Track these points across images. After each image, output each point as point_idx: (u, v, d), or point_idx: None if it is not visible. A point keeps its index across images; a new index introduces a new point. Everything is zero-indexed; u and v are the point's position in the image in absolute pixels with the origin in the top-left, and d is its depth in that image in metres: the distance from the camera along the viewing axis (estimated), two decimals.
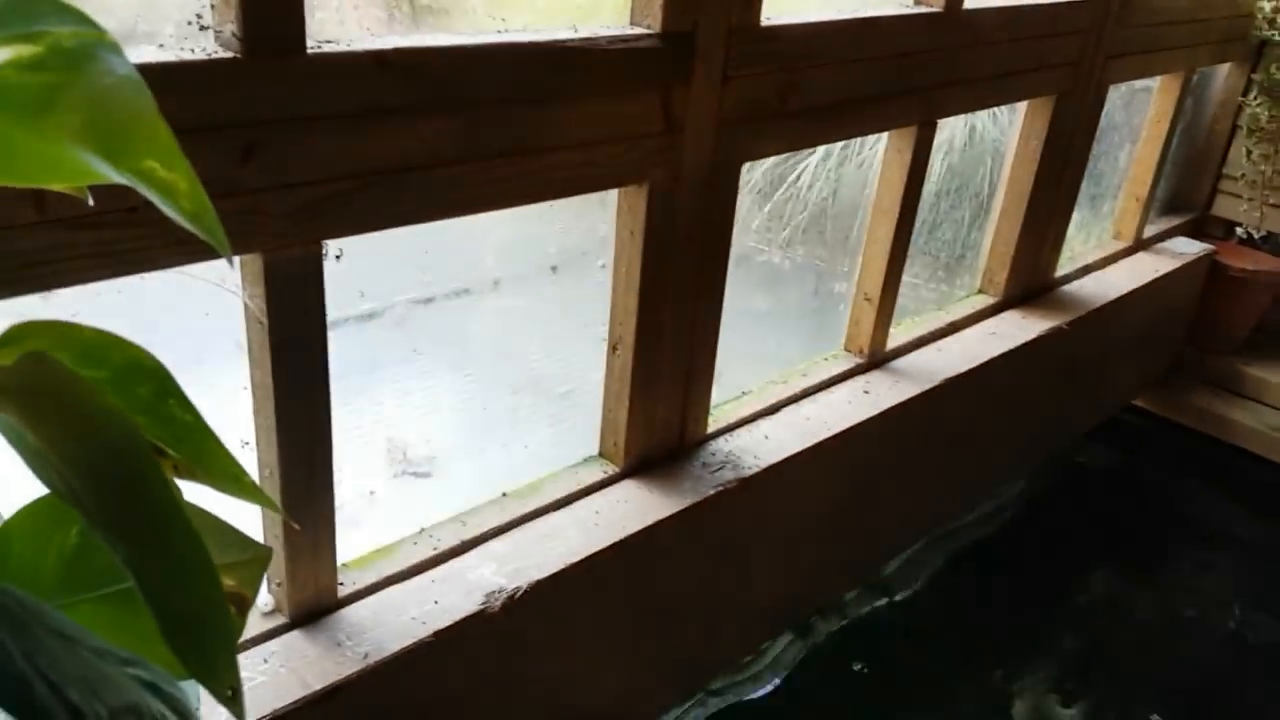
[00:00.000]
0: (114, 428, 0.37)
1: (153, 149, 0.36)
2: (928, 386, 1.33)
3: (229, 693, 0.34)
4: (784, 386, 1.27)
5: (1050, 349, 1.54)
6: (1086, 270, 1.75)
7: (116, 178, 0.37)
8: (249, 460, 0.77)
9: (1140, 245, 1.89)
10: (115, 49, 0.38)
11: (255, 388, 0.76)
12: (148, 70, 0.60)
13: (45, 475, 0.39)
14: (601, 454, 1.08)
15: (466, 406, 1.05)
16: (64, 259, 0.60)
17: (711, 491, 1.05)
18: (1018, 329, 1.53)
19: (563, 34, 0.81)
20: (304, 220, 0.71)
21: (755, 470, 1.10)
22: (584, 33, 0.83)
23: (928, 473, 1.46)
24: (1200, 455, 1.95)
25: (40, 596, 0.47)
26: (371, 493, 0.97)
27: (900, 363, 1.39)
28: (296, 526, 0.75)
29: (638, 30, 0.86)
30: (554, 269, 1.09)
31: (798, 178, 1.41)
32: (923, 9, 1.13)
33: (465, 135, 0.77)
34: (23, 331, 0.41)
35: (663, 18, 0.86)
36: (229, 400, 0.78)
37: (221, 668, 0.35)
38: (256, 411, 0.76)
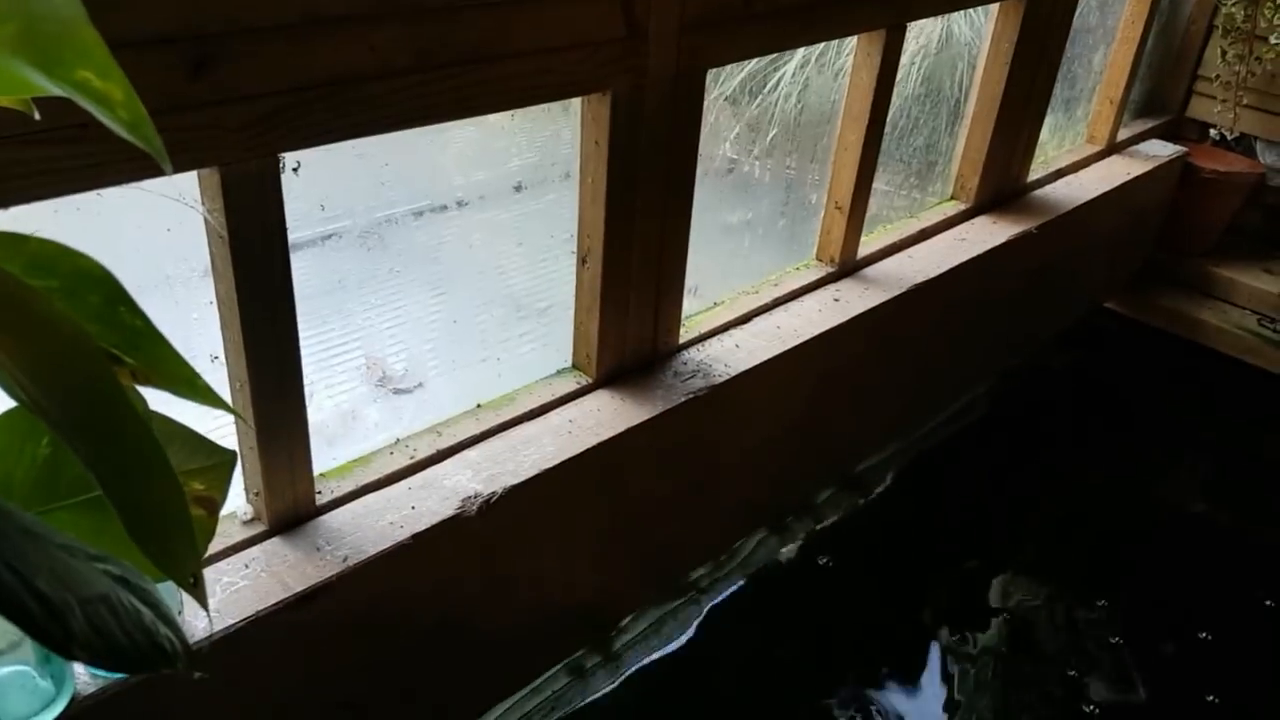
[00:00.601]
0: (66, 335, 0.38)
1: (87, 60, 0.37)
2: (897, 292, 1.35)
3: (191, 580, 0.37)
4: (755, 297, 1.29)
5: (1020, 253, 1.56)
6: (1059, 174, 1.76)
7: (53, 89, 0.37)
8: (221, 374, 0.79)
9: (1113, 148, 1.89)
10: None
11: (220, 302, 0.77)
12: None
13: (8, 387, 0.40)
14: (575, 365, 1.10)
15: (442, 324, 1.06)
16: (14, 176, 0.60)
17: (683, 399, 1.08)
18: (988, 234, 1.54)
19: None
20: (259, 133, 0.71)
21: (726, 378, 1.13)
22: None
23: (898, 377, 1.49)
24: (1169, 356, 1.99)
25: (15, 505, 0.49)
26: (351, 411, 0.98)
27: (871, 270, 1.40)
28: (248, 423, 0.77)
29: None
30: (517, 187, 1.09)
31: (774, 86, 1.39)
32: None
33: (416, 44, 0.76)
34: None
35: None
36: (197, 317, 0.79)
37: (183, 557, 0.37)
38: (224, 326, 0.77)
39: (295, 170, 0.76)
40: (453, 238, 1.08)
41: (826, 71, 1.32)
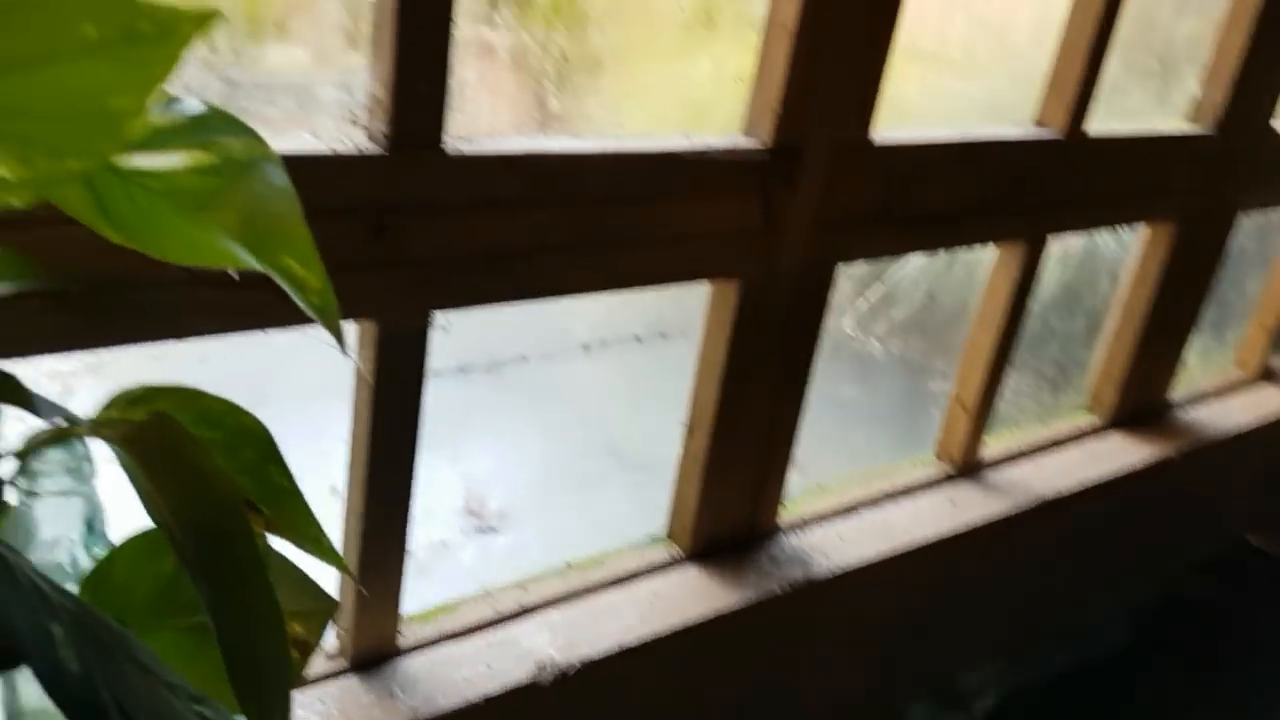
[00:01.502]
0: (217, 487, 0.42)
1: (293, 250, 0.42)
2: (1021, 505, 1.30)
3: None
4: (865, 487, 1.27)
5: (1157, 477, 1.48)
6: (1203, 399, 1.68)
7: (258, 267, 0.43)
8: (337, 507, 0.83)
9: (1265, 377, 1.80)
10: (276, 162, 0.44)
11: (353, 441, 0.82)
12: (304, 158, 0.68)
13: (153, 514, 0.44)
14: (669, 535, 1.10)
15: (544, 466, 1.09)
16: (203, 311, 0.67)
17: (777, 588, 1.06)
18: (1123, 453, 1.47)
19: (674, 143, 0.86)
20: (417, 293, 0.77)
21: (826, 571, 1.10)
22: (695, 142, 0.87)
23: (1012, 595, 1.41)
24: None
25: (131, 618, 0.52)
26: (443, 543, 1.01)
27: (993, 476, 1.36)
28: (365, 593, 0.80)
29: (748, 143, 0.90)
30: (638, 338, 1.13)
31: (901, 267, 1.41)
32: (1042, 133, 1.13)
33: (570, 227, 0.82)
34: (154, 393, 0.47)
35: (774, 131, 0.90)
36: (327, 448, 0.85)
37: (275, 707, 0.39)
38: (351, 463, 0.82)
39: (444, 329, 0.82)
40: (568, 381, 1.12)
41: (959, 268, 1.33)
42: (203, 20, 0.35)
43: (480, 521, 1.09)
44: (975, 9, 1.10)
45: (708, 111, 0.95)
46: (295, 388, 0.87)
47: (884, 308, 1.40)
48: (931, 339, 1.40)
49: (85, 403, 0.72)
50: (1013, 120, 1.16)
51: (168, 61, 0.35)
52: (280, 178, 0.44)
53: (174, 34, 0.35)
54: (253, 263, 0.43)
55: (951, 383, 1.32)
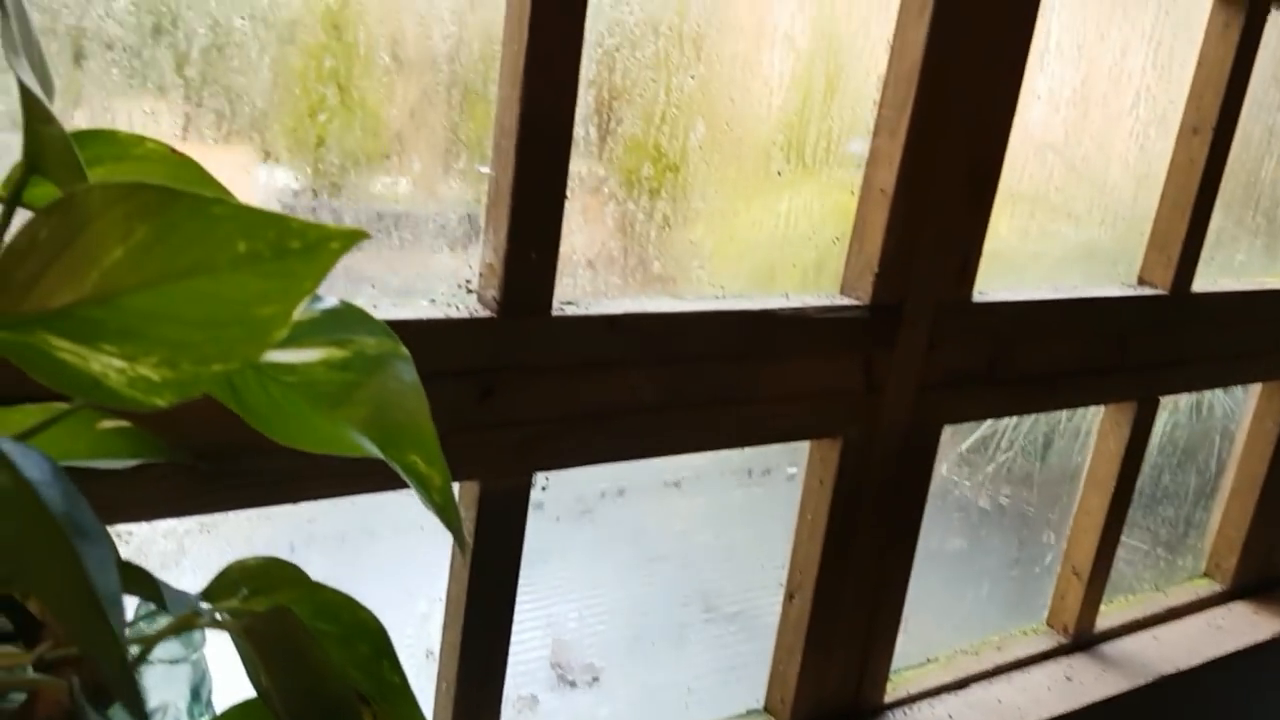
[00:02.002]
0: (331, 685, 0.40)
1: (420, 447, 0.43)
2: (1141, 681, 1.20)
3: None
4: (975, 659, 1.19)
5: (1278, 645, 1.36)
6: None
7: (384, 459, 0.43)
8: (431, 670, 0.81)
9: None
10: (406, 360, 0.45)
11: (450, 601, 0.80)
12: (419, 324, 0.70)
13: (266, 701, 0.43)
14: (767, 708, 1.04)
15: (633, 614, 1.05)
16: (320, 477, 0.68)
17: None
18: (1249, 625, 1.36)
19: (773, 302, 0.87)
20: (523, 455, 0.77)
21: None
22: (794, 302, 0.87)
23: None
24: None
25: None
26: (534, 697, 0.97)
27: (1110, 648, 1.26)
28: None
29: (846, 301, 0.90)
30: (747, 472, 1.10)
31: (1009, 432, 1.37)
32: (1146, 290, 1.11)
33: (670, 386, 0.82)
34: (273, 580, 0.46)
35: (873, 291, 0.90)
36: (425, 610, 0.83)
37: None
38: (446, 626, 0.80)
39: (544, 489, 0.82)
40: (659, 519, 1.09)
41: (1067, 431, 1.28)
42: (350, 237, 0.37)
43: (567, 674, 1.04)
44: (1071, 154, 1.10)
45: (806, 270, 0.96)
46: (401, 521, 0.86)
47: (989, 452, 1.36)
48: (1040, 488, 1.34)
49: (198, 561, 0.73)
50: (1111, 263, 1.14)
51: (316, 275, 0.36)
52: (410, 374, 0.45)
53: (322, 250, 0.36)
54: (379, 455, 0.43)
55: (1060, 537, 1.25)
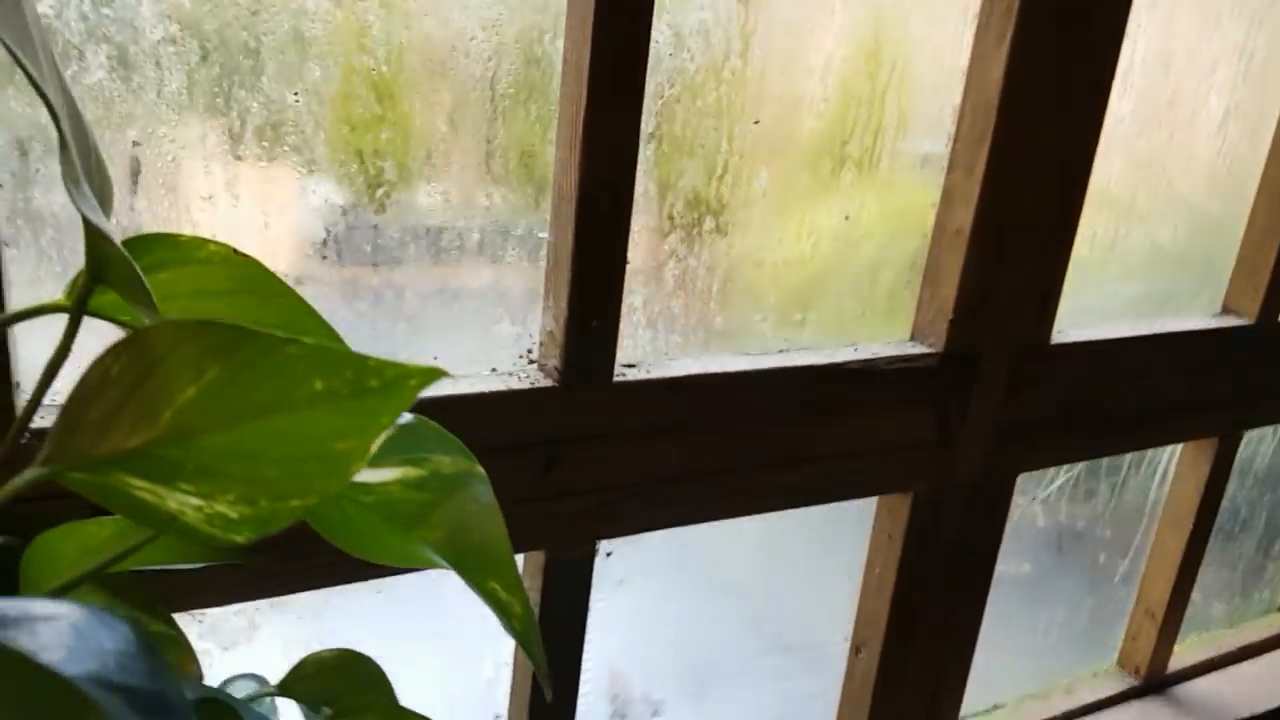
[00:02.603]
0: None
1: (499, 575, 0.40)
2: None
3: None
4: (1044, 703, 1.14)
5: None
6: None
7: (461, 582, 0.40)
8: None
9: None
10: (483, 480, 0.42)
11: (516, 668, 0.78)
12: (482, 397, 0.67)
13: None
14: None
15: (694, 643, 1.02)
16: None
17: None
18: None
19: (841, 355, 0.83)
20: (586, 523, 0.74)
21: None
22: (863, 353, 0.84)
23: None
24: None
25: None
26: None
27: (1185, 690, 1.21)
28: None
29: (919, 350, 0.86)
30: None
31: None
32: (1231, 320, 1.05)
33: (735, 448, 0.79)
34: (355, 683, 0.45)
35: (947, 338, 0.86)
36: (490, 676, 0.81)
37: None
38: (514, 692, 0.79)
39: (609, 555, 0.79)
40: (717, 543, 1.05)
41: (1144, 469, 1.23)
42: (429, 375, 0.34)
43: (626, 707, 1.02)
44: (1154, 176, 1.04)
45: (870, 313, 0.91)
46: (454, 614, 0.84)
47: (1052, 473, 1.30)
48: (1107, 513, 1.28)
49: (271, 635, 0.72)
50: (1194, 294, 1.08)
51: (394, 410, 0.34)
52: (487, 495, 0.43)
53: (401, 387, 0.34)
54: (457, 576, 0.41)
55: (1134, 573, 1.20)
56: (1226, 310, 1.08)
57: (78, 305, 0.41)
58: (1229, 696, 1.21)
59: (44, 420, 0.54)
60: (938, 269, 0.86)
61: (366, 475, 0.42)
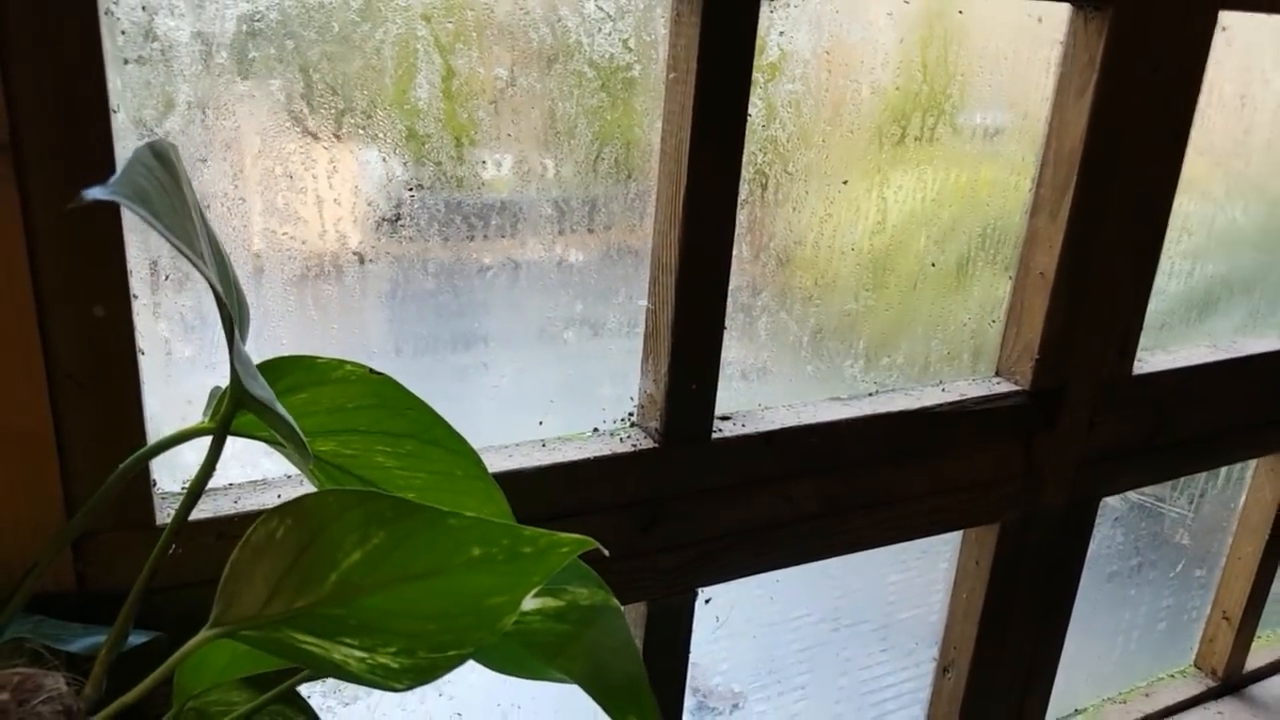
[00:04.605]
0: None
1: (637, 709, 0.43)
2: None
3: None
4: (1123, 708, 1.17)
5: None
6: None
7: (604, 709, 0.44)
8: None
9: None
10: (618, 612, 0.46)
11: None
12: (589, 462, 0.70)
13: None
14: None
15: (770, 636, 1.04)
16: None
17: None
18: None
19: (929, 397, 0.85)
20: (685, 574, 0.78)
21: None
22: (951, 395, 0.85)
23: None
24: None
25: None
26: None
27: (1261, 690, 1.23)
28: None
29: (1005, 388, 0.88)
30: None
31: None
32: None
33: (829, 494, 0.81)
34: None
35: (1033, 376, 0.87)
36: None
37: None
38: None
39: (707, 602, 0.82)
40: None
41: (1217, 481, 1.23)
42: (579, 545, 0.37)
43: (708, 701, 1.05)
44: (1232, 207, 1.03)
45: (959, 353, 0.93)
46: None
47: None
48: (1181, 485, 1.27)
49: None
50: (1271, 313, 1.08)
51: (545, 572, 0.37)
52: (624, 629, 0.46)
53: (553, 553, 0.37)
54: (598, 704, 0.44)
55: (1211, 580, 1.21)
56: None
57: (222, 428, 0.44)
58: None
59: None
60: (1022, 309, 0.88)
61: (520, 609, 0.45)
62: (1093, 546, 1.21)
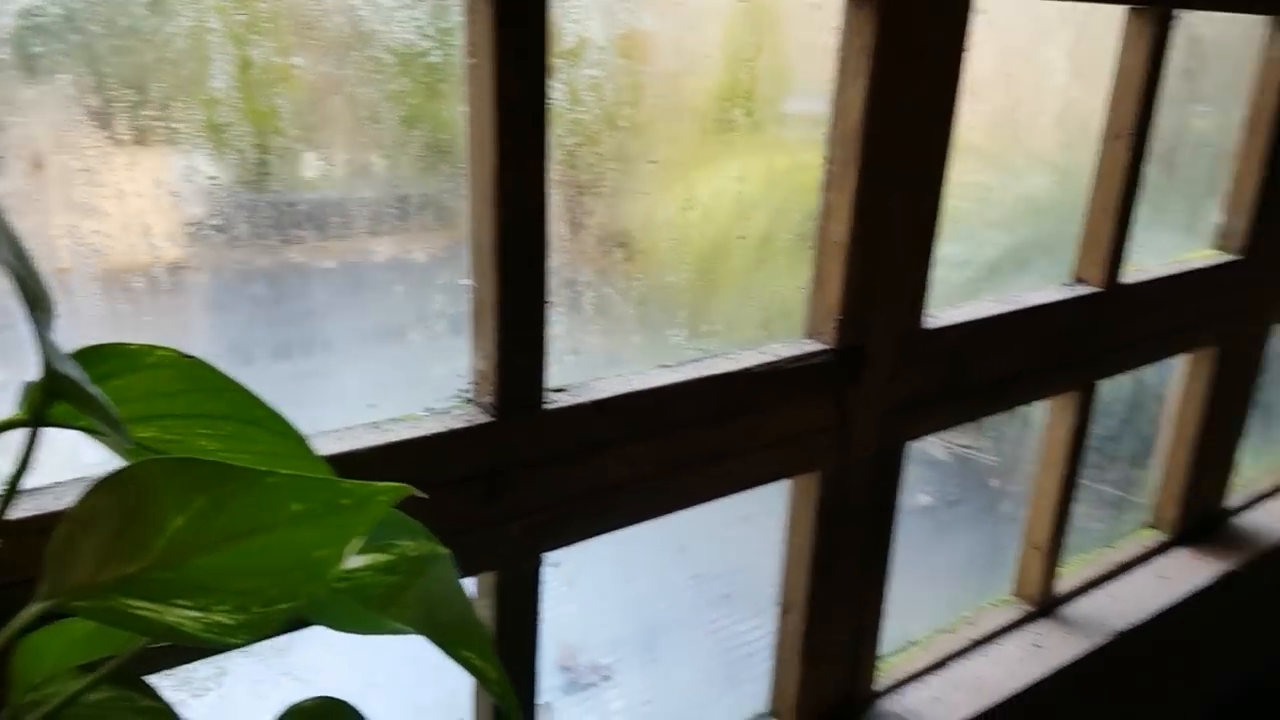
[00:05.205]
0: None
1: (472, 646, 0.47)
2: (1101, 640, 1.31)
3: None
4: (952, 637, 1.28)
5: (1227, 590, 1.48)
6: (1261, 500, 1.69)
7: (444, 654, 0.47)
8: None
9: None
10: (446, 559, 0.49)
11: (476, 690, 0.85)
12: (423, 440, 0.73)
13: None
14: (772, 711, 1.11)
15: (639, 608, 1.09)
16: None
17: None
18: (1190, 572, 1.48)
19: (749, 358, 0.91)
20: (529, 542, 0.81)
21: None
22: (767, 356, 0.93)
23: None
24: None
25: None
26: (546, 706, 1.01)
27: (1071, 610, 1.37)
28: None
29: (815, 347, 0.96)
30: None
31: None
32: (1082, 289, 1.19)
33: (662, 456, 0.87)
34: None
35: (837, 335, 0.96)
36: (454, 686, 0.88)
37: None
38: (477, 697, 0.86)
39: (556, 566, 0.86)
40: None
41: (1018, 426, 1.37)
42: (396, 492, 0.41)
43: (576, 677, 1.09)
44: (1004, 170, 1.15)
45: (774, 318, 1.00)
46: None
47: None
48: (994, 435, 1.40)
49: (237, 680, 0.76)
50: (1057, 217, 1.20)
51: (366, 522, 0.41)
52: (452, 576, 0.49)
53: (371, 503, 0.41)
54: (437, 649, 0.47)
55: (1021, 531, 1.34)
56: (1078, 281, 1.21)
57: (35, 418, 0.45)
58: (1110, 613, 1.37)
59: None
60: (824, 275, 0.96)
61: (349, 566, 0.48)
62: (916, 493, 1.33)
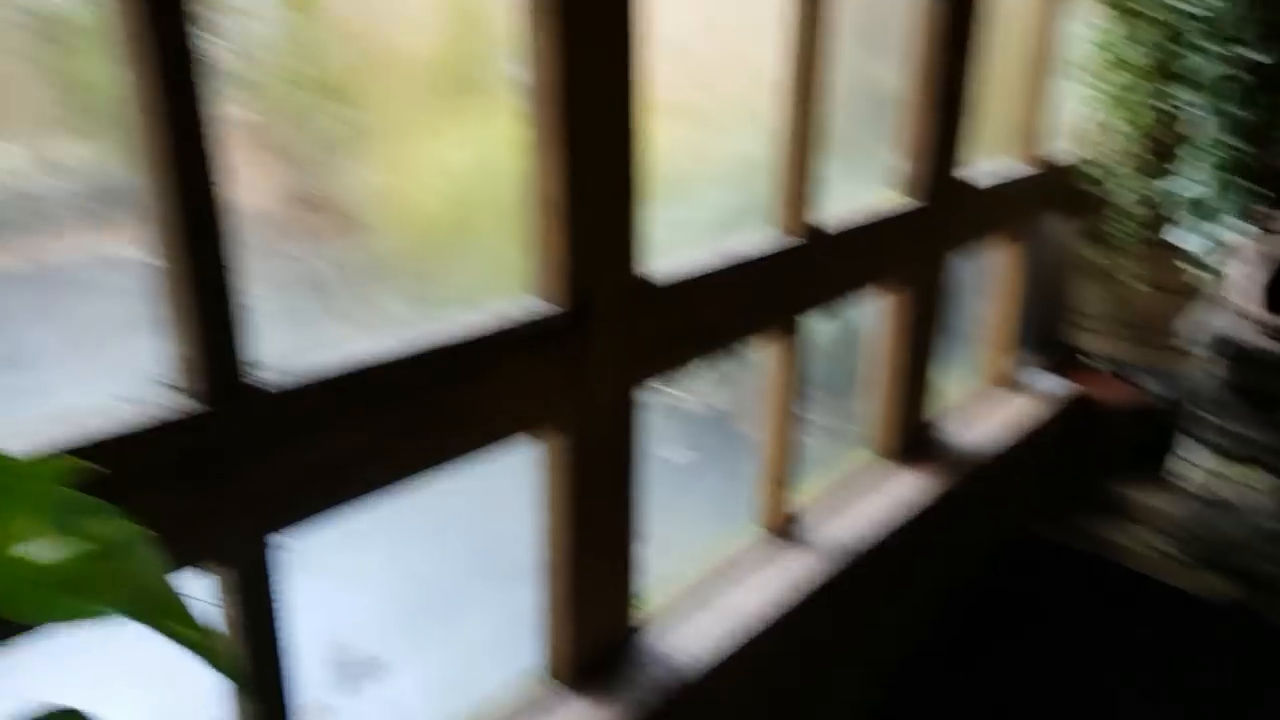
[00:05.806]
0: None
1: (175, 618, 0.47)
2: (841, 561, 1.43)
3: None
4: (709, 572, 1.36)
5: (940, 499, 1.68)
6: (964, 418, 1.92)
7: (151, 631, 0.47)
8: None
9: (1011, 388, 2.08)
10: (147, 539, 0.48)
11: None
12: (133, 436, 0.68)
13: None
14: (549, 669, 1.14)
15: (401, 593, 1.07)
16: None
17: (655, 701, 1.12)
18: (907, 488, 1.65)
19: (474, 323, 0.92)
20: (258, 527, 0.79)
21: (694, 672, 1.17)
22: (494, 318, 0.94)
23: (856, 635, 1.55)
24: (1098, 577, 2.09)
25: None
26: (327, 706, 0.98)
27: (812, 536, 1.49)
28: None
29: (541, 305, 0.98)
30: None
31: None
32: (789, 241, 1.30)
33: (387, 428, 0.87)
34: None
35: (562, 292, 0.99)
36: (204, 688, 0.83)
37: None
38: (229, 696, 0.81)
39: (286, 549, 0.83)
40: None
41: (748, 375, 1.46)
42: (64, 466, 0.39)
43: (349, 671, 1.05)
44: (705, 131, 1.22)
45: (500, 280, 1.01)
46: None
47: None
48: (736, 386, 1.49)
49: None
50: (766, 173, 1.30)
51: (34, 499, 0.39)
52: (151, 555, 0.49)
53: (32, 481, 0.39)
54: (145, 628, 0.46)
55: (755, 425, 1.43)
56: (785, 232, 1.31)
57: None
58: (846, 535, 1.49)
59: None
60: (545, 234, 0.98)
61: (47, 557, 0.47)
62: (668, 444, 1.40)
